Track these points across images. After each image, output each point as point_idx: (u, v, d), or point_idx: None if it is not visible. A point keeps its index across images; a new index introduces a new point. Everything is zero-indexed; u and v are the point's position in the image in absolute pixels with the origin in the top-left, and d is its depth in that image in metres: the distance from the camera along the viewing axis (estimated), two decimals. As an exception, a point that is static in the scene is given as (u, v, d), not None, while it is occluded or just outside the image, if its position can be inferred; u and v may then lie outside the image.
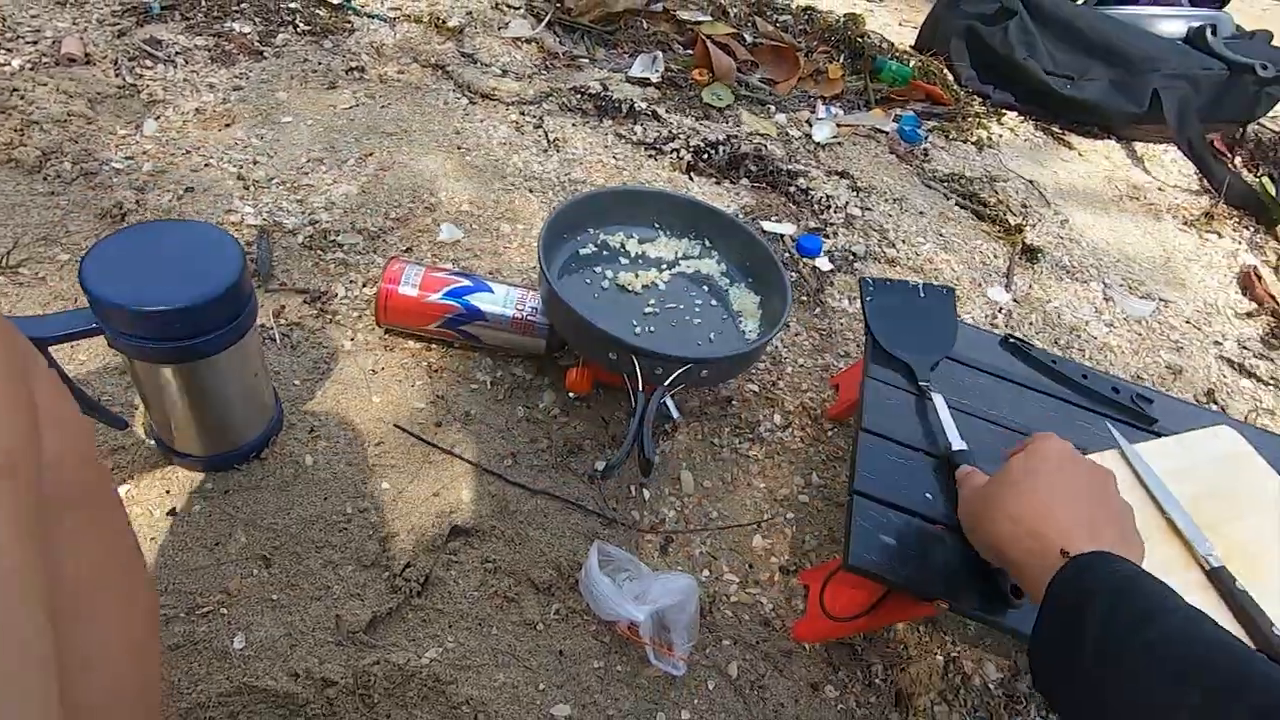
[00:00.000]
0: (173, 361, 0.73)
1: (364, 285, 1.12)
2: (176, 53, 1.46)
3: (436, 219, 1.25)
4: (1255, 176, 1.98)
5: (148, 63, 1.42)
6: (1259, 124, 2.11)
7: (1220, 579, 0.75)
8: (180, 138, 1.29)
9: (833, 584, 0.83)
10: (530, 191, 1.35)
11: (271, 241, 1.14)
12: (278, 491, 0.86)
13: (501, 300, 1.01)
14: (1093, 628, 0.41)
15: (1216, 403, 1.32)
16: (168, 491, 0.84)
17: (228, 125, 1.34)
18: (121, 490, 0.83)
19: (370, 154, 1.34)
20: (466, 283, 1.02)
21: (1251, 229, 1.83)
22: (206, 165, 1.24)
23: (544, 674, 0.78)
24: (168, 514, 0.82)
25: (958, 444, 0.77)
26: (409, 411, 0.98)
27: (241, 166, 1.25)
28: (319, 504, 0.86)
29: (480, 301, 1.01)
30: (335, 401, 0.97)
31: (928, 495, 0.80)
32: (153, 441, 0.86)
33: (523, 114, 1.54)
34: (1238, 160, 2.05)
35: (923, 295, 1.01)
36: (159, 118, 1.31)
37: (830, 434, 1.10)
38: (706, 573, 0.91)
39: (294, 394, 0.96)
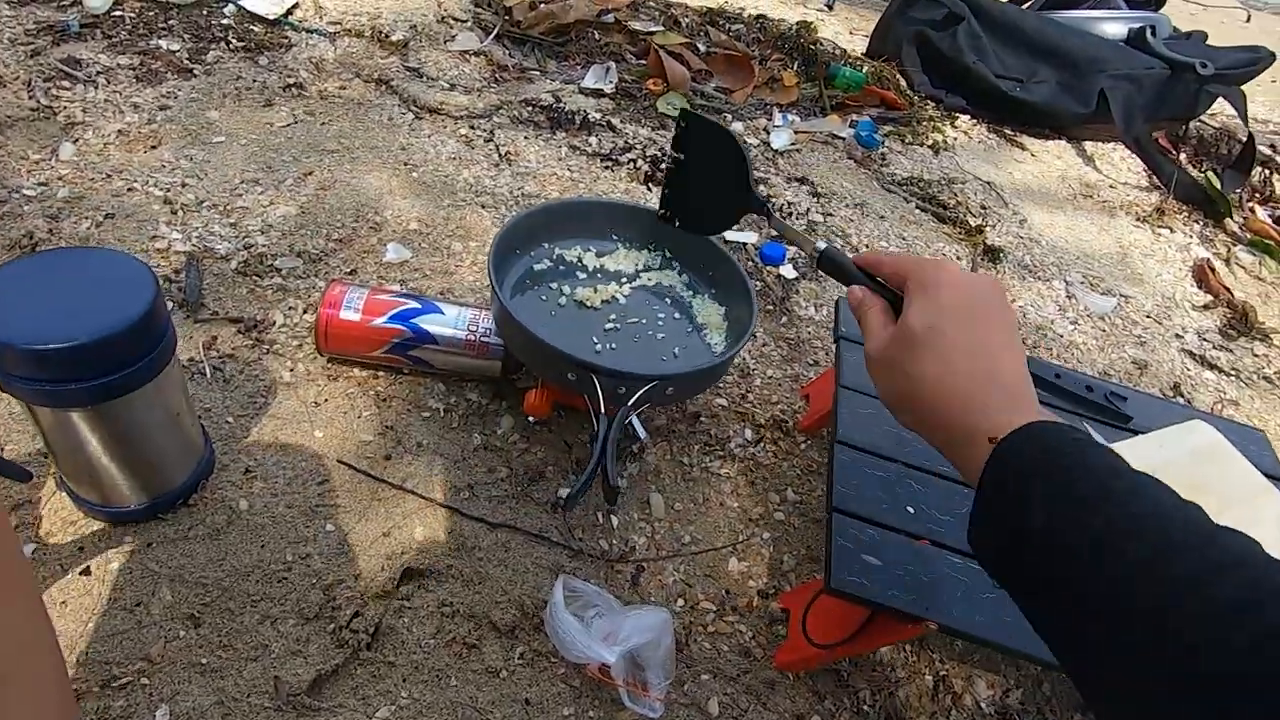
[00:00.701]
0: (77, 406, 0.65)
1: (304, 311, 1.04)
2: (98, 72, 1.37)
3: (382, 239, 1.18)
4: (1200, 172, 2.03)
5: (65, 83, 1.33)
6: (1200, 121, 2.16)
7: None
8: (100, 161, 1.20)
9: (815, 608, 0.78)
10: (482, 207, 1.30)
11: (201, 268, 1.06)
12: (208, 541, 0.78)
13: (453, 322, 0.95)
14: (1038, 518, 0.36)
15: (1183, 395, 1.32)
16: (81, 549, 0.75)
17: (154, 147, 1.26)
18: (27, 550, 0.74)
19: (310, 173, 1.27)
20: (414, 304, 0.96)
21: (1200, 223, 1.86)
22: (130, 190, 1.16)
23: (509, 727, 0.72)
24: (80, 573, 0.73)
25: (820, 243, 0.60)
26: (355, 445, 0.91)
27: (169, 190, 1.17)
28: (255, 552, 0.78)
29: (429, 324, 0.95)
30: (274, 438, 0.89)
31: (909, 509, 0.76)
32: (64, 494, 0.77)
33: (472, 128, 1.48)
34: (1182, 157, 2.09)
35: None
36: (77, 140, 1.23)
37: (804, 447, 1.06)
38: (681, 602, 0.85)
39: (227, 432, 0.88)
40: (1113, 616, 0.33)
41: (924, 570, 0.71)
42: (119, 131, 1.26)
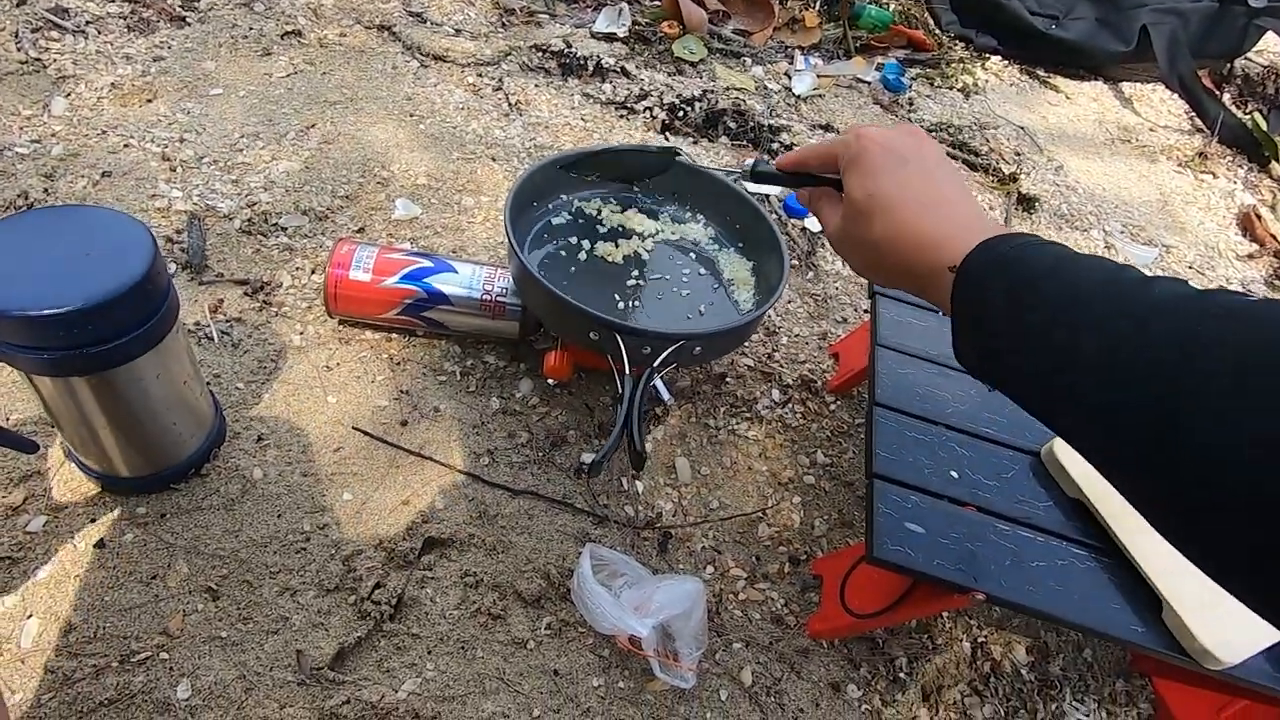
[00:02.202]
0: (77, 373, 0.62)
1: (312, 272, 1.00)
2: (87, 22, 1.30)
3: (390, 194, 1.13)
4: (1245, 113, 1.92)
5: (53, 34, 1.26)
6: (1246, 58, 2.04)
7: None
8: (94, 116, 1.15)
9: (853, 577, 0.75)
10: (493, 160, 1.24)
11: (204, 228, 1.02)
12: (223, 512, 0.75)
13: (467, 281, 0.91)
14: (1000, 328, 0.39)
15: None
16: (93, 520, 0.73)
17: (149, 100, 1.20)
18: (39, 523, 0.72)
19: (312, 126, 1.21)
20: (426, 263, 0.91)
21: (1245, 168, 1.77)
22: (126, 146, 1.11)
23: (538, 699, 0.70)
24: (95, 546, 0.71)
25: (748, 161, 0.61)
26: (370, 411, 0.87)
27: (166, 146, 1.12)
28: (271, 523, 0.76)
29: (443, 284, 0.90)
30: (285, 405, 0.86)
31: (953, 474, 0.73)
32: (73, 464, 0.75)
33: (480, 76, 1.41)
34: (1226, 97, 1.98)
35: None
36: (69, 95, 1.17)
37: (833, 408, 1.01)
38: (710, 569, 0.83)
39: (237, 399, 0.85)
40: (1085, 384, 0.35)
41: (970, 537, 0.68)
42: (112, 85, 1.20)
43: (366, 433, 0.85)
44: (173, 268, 0.96)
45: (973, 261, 0.41)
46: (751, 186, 1.30)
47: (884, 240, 0.47)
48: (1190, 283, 0.34)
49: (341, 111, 1.25)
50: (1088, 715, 0.80)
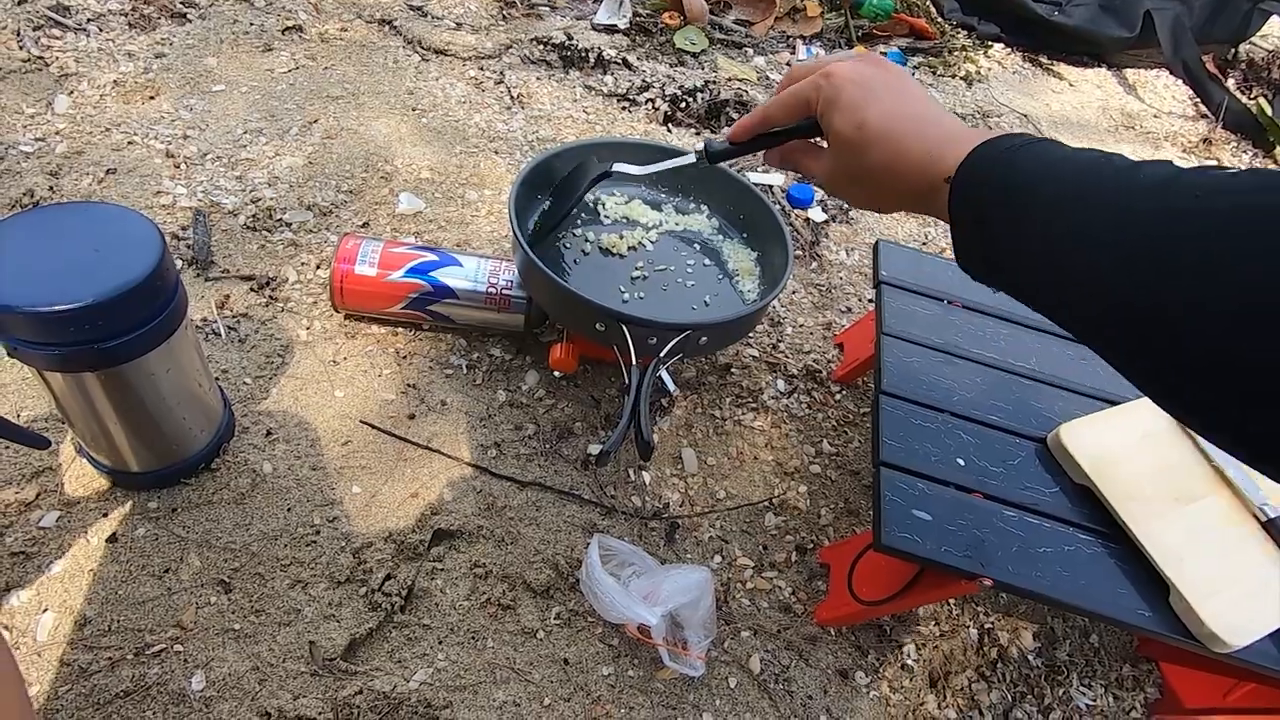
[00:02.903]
0: (87, 369, 0.62)
1: (318, 267, 1.00)
2: (88, 19, 1.30)
3: (394, 189, 1.13)
4: (1249, 98, 1.91)
5: (55, 32, 1.26)
6: (1251, 43, 2.03)
7: (1278, 529, 0.69)
8: (98, 114, 1.15)
9: (860, 565, 0.76)
10: (496, 153, 1.24)
11: (209, 224, 1.02)
12: (233, 505, 0.76)
13: (472, 274, 0.91)
14: (999, 229, 0.40)
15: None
16: (105, 515, 0.73)
17: (151, 98, 1.20)
18: (52, 518, 0.73)
19: (315, 121, 1.21)
20: (431, 257, 0.92)
21: (1250, 153, 1.76)
22: (130, 143, 1.11)
23: (549, 688, 0.70)
24: (107, 541, 0.72)
25: (697, 144, 0.64)
26: (377, 404, 0.88)
27: (170, 142, 1.12)
28: (282, 516, 0.76)
29: (448, 277, 0.91)
30: (293, 399, 0.86)
31: (959, 461, 0.73)
32: (84, 460, 0.75)
33: (481, 69, 1.41)
34: (1230, 82, 1.97)
35: None
36: (72, 93, 1.17)
37: (838, 397, 1.02)
38: (718, 559, 0.83)
39: (245, 394, 0.85)
40: (1085, 275, 0.35)
41: (976, 524, 0.68)
42: (114, 82, 1.20)
43: (374, 426, 0.85)
44: (179, 264, 0.96)
45: (967, 168, 0.42)
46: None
47: (882, 167, 0.47)
48: (1174, 163, 0.35)
49: (344, 106, 1.25)
50: (1094, 700, 0.80)
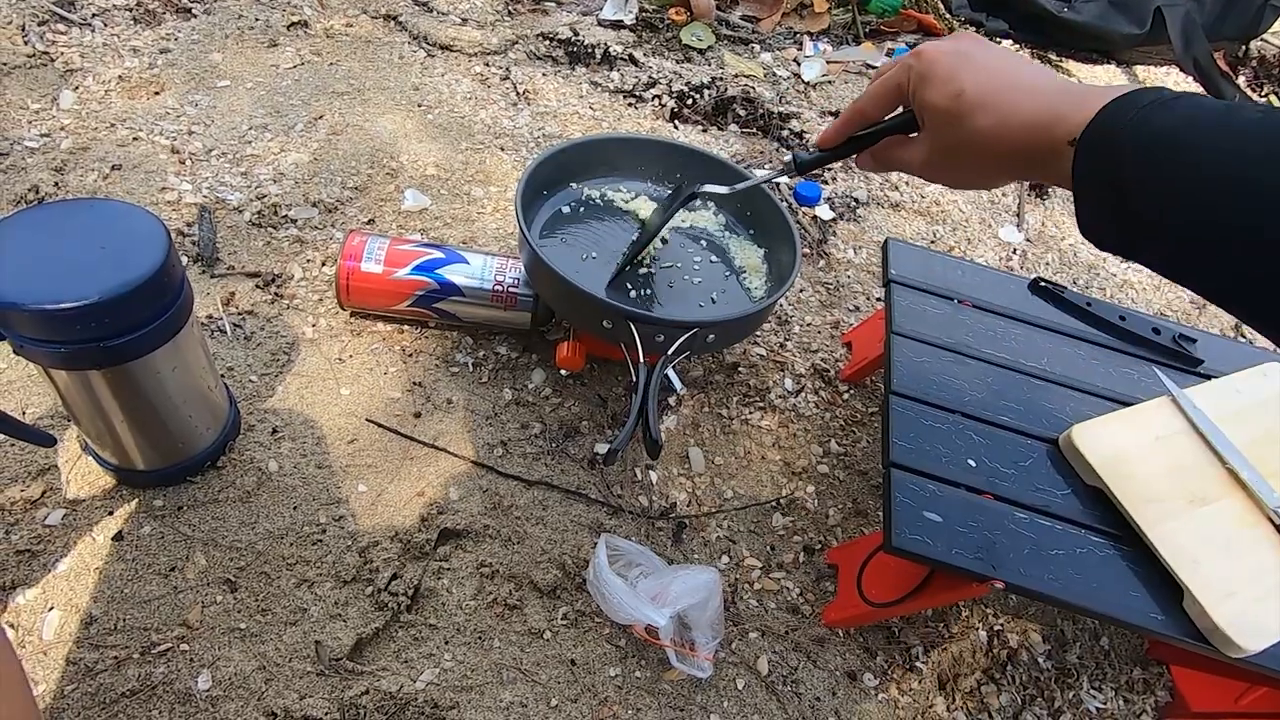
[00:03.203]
0: (93, 367, 0.62)
1: (323, 264, 1.00)
2: (93, 14, 1.30)
3: (399, 185, 1.12)
4: (1260, 96, 1.89)
5: (60, 27, 1.26)
6: (1262, 40, 2.01)
7: (1293, 532, 0.68)
8: (103, 109, 1.14)
9: (869, 566, 0.75)
10: (501, 150, 1.23)
11: (215, 220, 1.02)
12: (239, 504, 0.76)
13: (478, 272, 0.91)
14: (1136, 201, 0.37)
15: (1244, 335, 1.25)
16: (111, 513, 0.73)
17: (156, 93, 1.19)
18: (57, 516, 0.72)
19: (320, 117, 1.20)
20: (438, 254, 0.91)
21: (1261, 151, 1.74)
22: (135, 139, 1.11)
23: (555, 688, 0.70)
24: (113, 539, 0.72)
25: (786, 158, 0.63)
26: (383, 403, 0.87)
27: (175, 138, 1.12)
28: (288, 514, 0.76)
29: (454, 274, 0.90)
30: (299, 397, 0.86)
31: (970, 462, 0.72)
32: (90, 458, 0.75)
33: (487, 65, 1.40)
34: (1241, 80, 1.95)
35: None
36: (77, 88, 1.17)
37: (846, 397, 1.01)
38: (726, 559, 0.83)
39: (251, 391, 0.85)
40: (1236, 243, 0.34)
41: (988, 526, 0.67)
42: (119, 77, 1.20)
43: (380, 424, 0.85)
44: (184, 261, 0.96)
45: (1097, 128, 0.39)
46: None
47: (989, 133, 0.44)
48: None
49: (349, 102, 1.24)
50: (1105, 703, 0.79)
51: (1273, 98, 1.85)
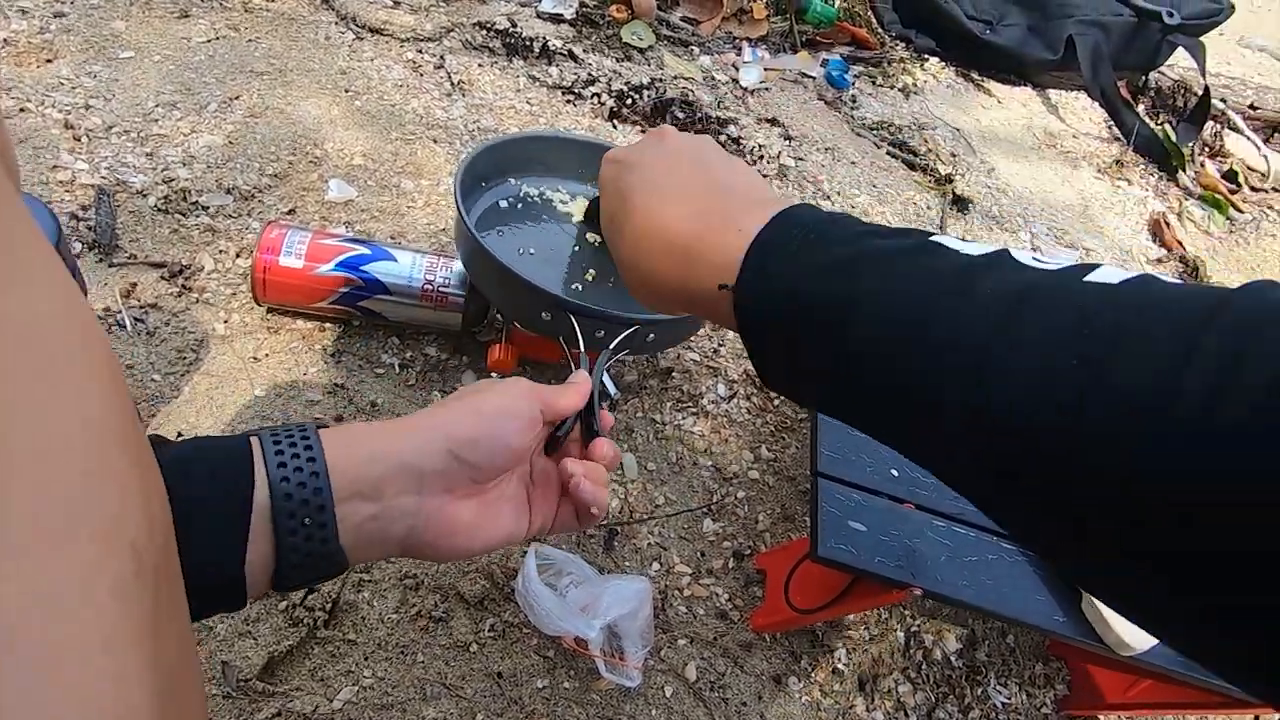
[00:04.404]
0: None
1: (238, 255, 0.94)
2: (-26, -31, 1.18)
3: (323, 174, 1.07)
4: (1157, 124, 2.04)
5: (-66, -20, 1.14)
6: (1159, 72, 2.17)
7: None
8: (-16, 76, 1.04)
9: (795, 572, 0.77)
10: (434, 142, 1.19)
11: (114, 204, 0.94)
12: (138, 514, 0.70)
13: (407, 269, 0.87)
14: (807, 353, 0.34)
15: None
16: (-13, 526, 0.67)
17: (49, 61, 1.09)
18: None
19: (237, 97, 1.13)
20: (363, 250, 0.87)
21: (1156, 176, 1.88)
22: (22, 110, 1.01)
23: (481, 702, 0.68)
24: (-11, 554, 0.65)
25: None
26: (302, 405, 0.83)
27: (69, 112, 1.03)
28: (193, 525, 0.71)
29: (381, 271, 0.86)
30: (207, 399, 0.81)
31: (893, 472, 0.75)
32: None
33: (420, 52, 1.35)
34: (1141, 108, 2.10)
35: None
36: (-47, 50, 1.05)
37: (777, 403, 1.03)
38: (656, 566, 0.83)
39: (153, 391, 0.79)
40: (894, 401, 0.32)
41: (908, 534, 0.70)
42: (4, 41, 1.09)
43: (298, 428, 0.80)
44: (78, 248, 0.88)
45: (750, 278, 0.35)
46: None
47: (638, 266, 0.40)
48: (1010, 252, 0.30)
49: (269, 83, 1.17)
50: (1010, 698, 0.84)
51: (1167, 127, 2.00)
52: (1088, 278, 0.28)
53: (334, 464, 0.38)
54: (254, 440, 0.37)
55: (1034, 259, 0.30)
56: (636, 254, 0.40)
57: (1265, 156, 2.01)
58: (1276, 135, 2.17)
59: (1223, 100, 2.19)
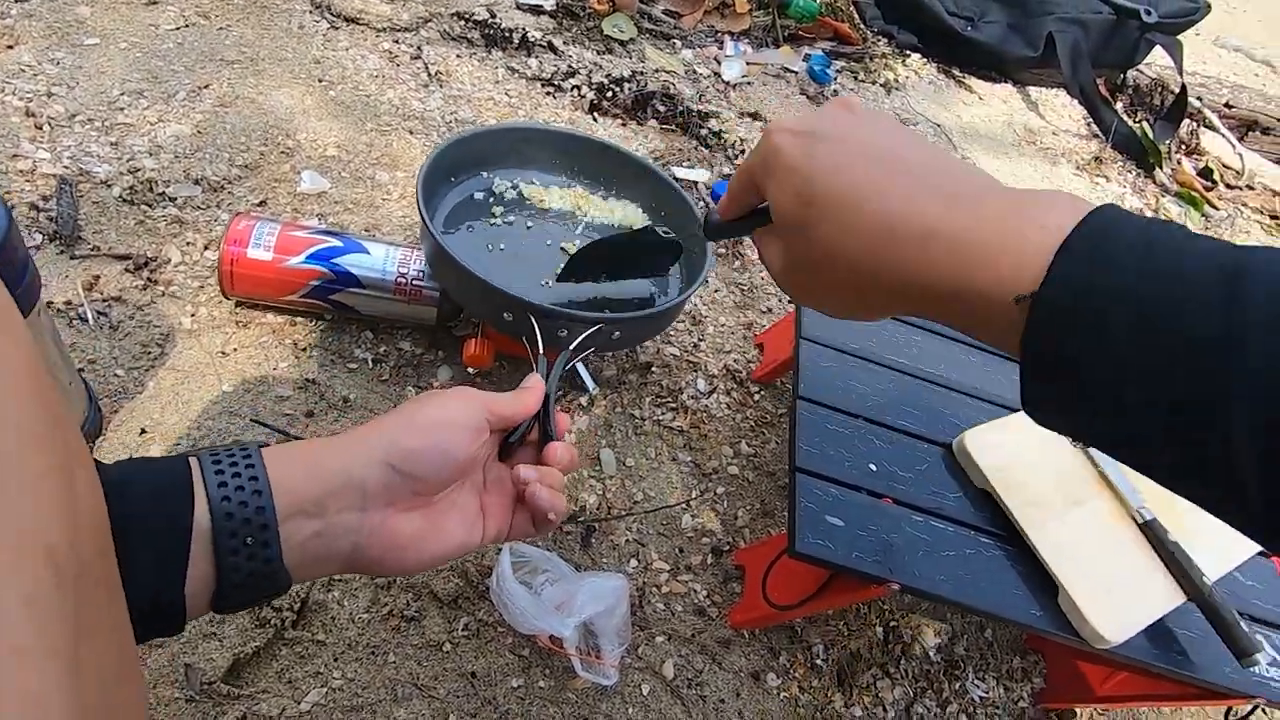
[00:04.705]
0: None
1: (206, 247, 0.92)
2: (-69, -49, 1.14)
3: (295, 165, 1.05)
4: (1135, 122, 2.06)
5: (-112, -38, 1.10)
6: (1137, 70, 2.19)
7: (1153, 531, 0.74)
8: (-59, 61, 1.00)
9: (773, 569, 0.76)
10: (410, 133, 1.17)
11: (77, 195, 0.91)
12: (98, 513, 0.68)
13: (380, 262, 0.85)
14: (1104, 374, 0.28)
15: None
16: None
17: (10, 47, 1.06)
18: None
19: (206, 86, 1.10)
20: (335, 242, 0.85)
21: (1134, 173, 1.90)
22: (-20, 97, 0.98)
23: (454, 703, 0.67)
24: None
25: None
26: (272, 401, 0.81)
27: (31, 99, 1.00)
28: (156, 524, 0.69)
29: (354, 264, 0.85)
30: (173, 394, 0.79)
31: (871, 466, 0.74)
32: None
33: (397, 42, 1.33)
34: (1119, 106, 2.12)
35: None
36: (-92, 35, 1.02)
37: (757, 398, 1.02)
38: (634, 562, 0.82)
39: (116, 387, 0.77)
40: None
41: (886, 529, 0.69)
42: (-37, 26, 1.06)
43: (267, 425, 0.79)
44: (38, 239, 0.86)
45: (1064, 289, 0.28)
46: (681, 173, 1.29)
47: (850, 260, 0.32)
48: None
49: (240, 72, 1.15)
50: (987, 692, 0.84)
51: (1145, 124, 2.01)
52: None
53: (276, 482, 0.37)
54: (193, 460, 0.36)
55: None
56: (858, 242, 0.31)
57: (1240, 154, 2.04)
58: (1251, 133, 2.20)
59: (1199, 99, 2.22)
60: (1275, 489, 0.25)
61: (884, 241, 0.32)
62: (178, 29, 1.18)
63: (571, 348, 0.75)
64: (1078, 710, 0.87)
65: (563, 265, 0.83)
